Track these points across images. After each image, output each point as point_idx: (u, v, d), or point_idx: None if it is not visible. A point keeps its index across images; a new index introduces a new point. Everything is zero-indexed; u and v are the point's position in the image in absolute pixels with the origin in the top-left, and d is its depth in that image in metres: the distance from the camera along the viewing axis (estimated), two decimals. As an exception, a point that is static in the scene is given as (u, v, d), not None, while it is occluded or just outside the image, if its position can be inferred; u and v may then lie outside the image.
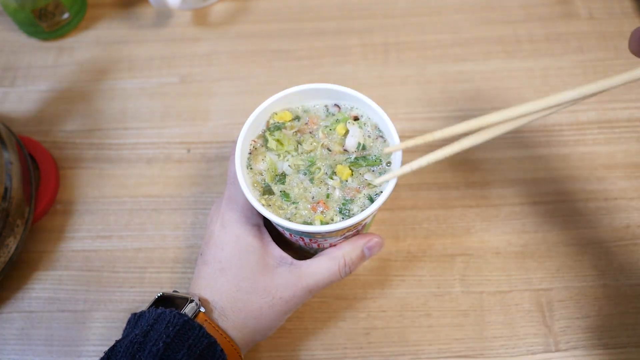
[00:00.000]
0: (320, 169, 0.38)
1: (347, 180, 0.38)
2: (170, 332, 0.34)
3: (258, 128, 0.40)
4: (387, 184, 0.36)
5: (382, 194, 0.36)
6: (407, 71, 0.57)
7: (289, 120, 0.40)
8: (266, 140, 0.39)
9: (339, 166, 0.38)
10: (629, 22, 0.58)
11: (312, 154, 0.39)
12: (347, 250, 0.39)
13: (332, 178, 0.38)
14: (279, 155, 0.39)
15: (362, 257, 0.40)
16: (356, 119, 0.40)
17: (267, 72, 0.57)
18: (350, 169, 0.38)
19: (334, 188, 0.38)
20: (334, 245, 0.41)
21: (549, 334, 0.44)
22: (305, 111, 0.41)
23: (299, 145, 0.39)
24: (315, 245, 0.41)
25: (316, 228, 0.35)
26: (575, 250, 0.48)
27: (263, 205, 0.36)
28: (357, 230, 0.40)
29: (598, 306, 0.45)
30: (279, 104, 0.40)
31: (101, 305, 0.47)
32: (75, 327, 0.46)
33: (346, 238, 0.40)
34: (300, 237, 0.39)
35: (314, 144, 0.39)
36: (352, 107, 0.40)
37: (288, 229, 0.37)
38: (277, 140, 0.39)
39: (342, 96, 0.40)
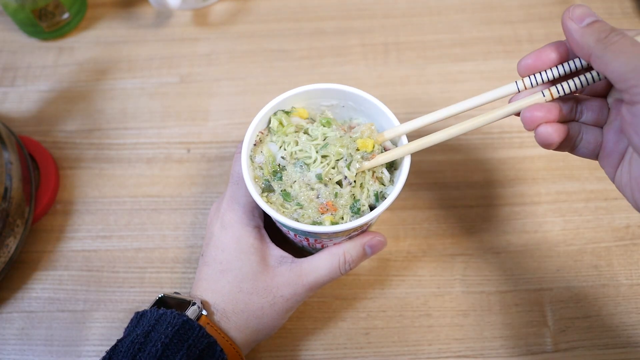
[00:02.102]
0: (331, 160, 0.36)
1: (368, 153, 0.36)
2: (169, 333, 0.34)
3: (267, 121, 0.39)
4: (392, 187, 0.36)
5: (390, 195, 0.35)
6: (407, 71, 0.57)
7: (304, 118, 0.39)
8: (269, 123, 0.38)
9: (359, 140, 0.36)
10: (628, 22, 0.58)
11: (323, 138, 0.37)
12: (348, 247, 0.39)
13: (349, 168, 0.36)
14: (279, 144, 0.37)
15: (363, 255, 0.40)
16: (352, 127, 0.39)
17: (267, 72, 0.57)
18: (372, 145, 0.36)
19: (348, 184, 0.36)
20: (338, 244, 0.40)
21: (549, 334, 0.44)
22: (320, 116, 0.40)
23: (303, 131, 0.38)
24: (319, 246, 0.41)
25: (324, 228, 0.35)
26: (575, 250, 0.48)
27: (266, 202, 0.36)
28: (362, 231, 0.40)
29: (598, 306, 0.45)
30: (295, 100, 0.39)
31: (101, 305, 0.47)
32: (75, 327, 0.46)
33: (351, 238, 0.40)
34: (305, 238, 0.39)
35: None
36: (350, 119, 0.40)
37: (294, 230, 0.37)
38: (279, 121, 0.38)
39: (361, 101, 0.39)
